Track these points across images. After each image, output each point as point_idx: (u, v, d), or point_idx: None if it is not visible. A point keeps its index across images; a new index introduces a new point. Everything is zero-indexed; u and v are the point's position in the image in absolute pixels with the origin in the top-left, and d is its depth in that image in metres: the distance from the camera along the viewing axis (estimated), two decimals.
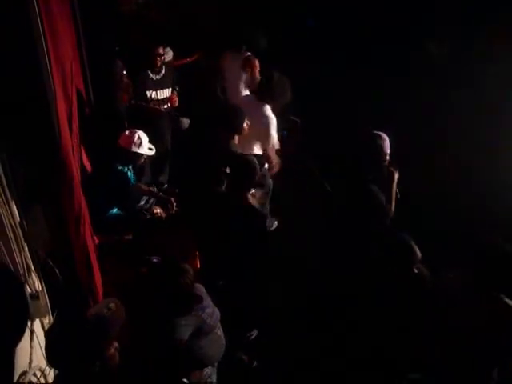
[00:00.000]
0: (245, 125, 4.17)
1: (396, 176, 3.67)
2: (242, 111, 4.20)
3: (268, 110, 4.47)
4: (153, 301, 2.93)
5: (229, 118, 4.20)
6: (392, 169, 3.67)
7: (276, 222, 5.24)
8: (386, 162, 3.68)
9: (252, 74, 5.43)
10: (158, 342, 2.81)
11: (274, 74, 4.46)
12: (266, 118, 4.44)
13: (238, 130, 4.17)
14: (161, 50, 5.08)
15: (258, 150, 4.62)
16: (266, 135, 4.49)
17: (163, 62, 5.18)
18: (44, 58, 2.50)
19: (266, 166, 4.67)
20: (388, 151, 3.65)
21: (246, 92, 5.42)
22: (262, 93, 4.52)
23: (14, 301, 1.63)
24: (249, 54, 5.41)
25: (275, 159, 4.67)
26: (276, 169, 4.74)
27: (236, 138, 4.20)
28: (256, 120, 4.40)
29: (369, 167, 3.65)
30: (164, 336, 2.79)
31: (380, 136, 3.65)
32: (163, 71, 5.19)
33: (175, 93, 5.29)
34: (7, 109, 2.41)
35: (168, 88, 5.23)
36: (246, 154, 3.88)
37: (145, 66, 5.10)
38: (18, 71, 2.42)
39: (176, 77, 5.37)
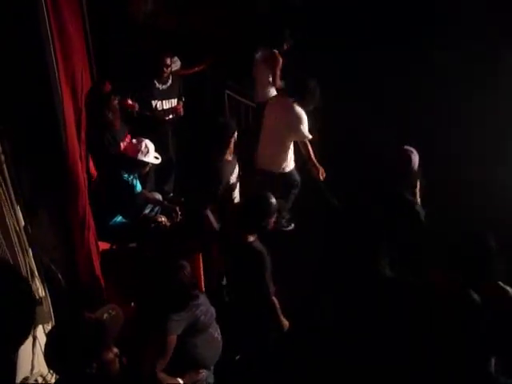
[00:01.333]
0: (232, 140, 4.04)
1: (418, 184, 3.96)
2: (229, 126, 4.15)
3: (297, 107, 4.55)
4: (149, 296, 2.94)
5: (216, 132, 4.16)
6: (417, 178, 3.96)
7: (293, 225, 5.26)
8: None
9: (273, 71, 5.54)
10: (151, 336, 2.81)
11: (310, 82, 4.54)
12: (296, 114, 4.53)
13: (225, 144, 4.03)
14: (168, 60, 5.10)
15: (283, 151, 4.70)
16: (297, 131, 4.58)
17: (170, 72, 5.20)
18: (52, 65, 2.52)
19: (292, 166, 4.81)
20: (417, 165, 3.89)
21: (272, 89, 5.48)
22: (293, 95, 4.59)
23: (21, 303, 1.63)
24: (275, 51, 5.51)
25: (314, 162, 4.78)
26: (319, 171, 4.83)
27: (228, 153, 4.07)
28: (286, 117, 4.54)
29: (402, 181, 3.91)
30: (157, 331, 2.78)
31: (413, 152, 3.87)
32: (170, 81, 5.20)
33: (181, 103, 5.31)
34: (15, 114, 2.44)
35: (174, 98, 5.24)
36: (264, 193, 3.50)
37: (151, 76, 5.10)
38: (27, 78, 2.45)
39: (182, 87, 5.39)
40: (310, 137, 4.66)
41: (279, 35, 5.56)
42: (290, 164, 4.88)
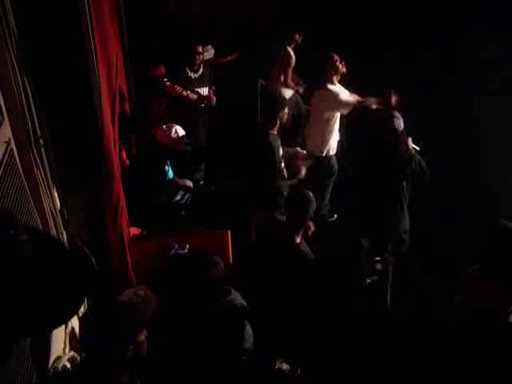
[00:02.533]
0: (285, 112, 4.12)
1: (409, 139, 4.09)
2: (280, 98, 4.26)
3: (329, 86, 4.59)
4: (180, 290, 2.94)
5: (266, 105, 4.25)
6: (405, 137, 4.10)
7: (335, 215, 5.28)
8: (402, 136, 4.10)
9: (285, 70, 5.51)
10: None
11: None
12: (330, 93, 4.58)
13: (275, 117, 4.07)
14: (200, 49, 5.10)
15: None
16: (340, 105, 4.62)
17: (202, 60, 5.19)
18: (91, 52, 2.53)
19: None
20: (401, 128, 4.10)
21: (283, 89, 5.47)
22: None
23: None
24: (288, 49, 5.47)
25: None
26: None
27: (275, 128, 4.11)
28: (322, 100, 4.63)
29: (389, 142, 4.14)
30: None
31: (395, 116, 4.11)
32: (201, 69, 5.20)
33: (211, 91, 5.30)
34: (52, 99, 2.46)
35: (206, 86, 5.25)
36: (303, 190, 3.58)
37: (184, 64, 5.11)
38: (65, 62, 2.47)
39: (213, 75, 5.38)
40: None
41: (290, 27, 5.52)
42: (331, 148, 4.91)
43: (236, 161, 4.56)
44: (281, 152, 4.15)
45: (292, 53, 5.50)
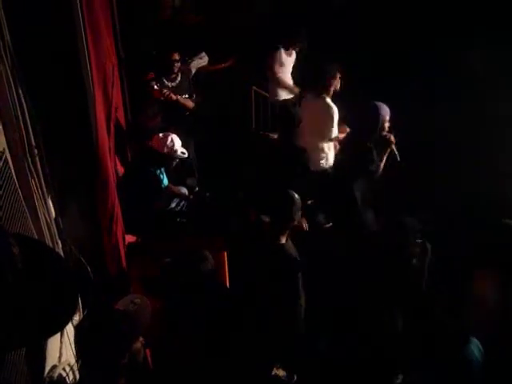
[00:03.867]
0: None
1: (392, 141, 4.22)
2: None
3: (328, 100, 4.59)
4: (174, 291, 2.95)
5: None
6: (388, 135, 4.22)
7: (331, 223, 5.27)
8: (386, 130, 4.19)
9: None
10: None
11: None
12: (329, 111, 4.58)
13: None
14: (176, 56, 4.97)
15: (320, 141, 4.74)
16: (329, 125, 4.62)
17: (180, 69, 5.08)
18: (85, 59, 2.55)
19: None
20: (386, 118, 4.14)
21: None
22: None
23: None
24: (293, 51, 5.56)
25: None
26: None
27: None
28: (317, 111, 4.63)
29: (369, 133, 4.21)
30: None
31: (380, 106, 4.15)
32: (179, 78, 5.08)
33: (191, 100, 5.21)
34: (47, 107, 2.48)
35: (185, 95, 5.13)
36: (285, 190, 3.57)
37: (160, 73, 5.00)
38: (60, 72, 2.49)
39: (192, 83, 5.30)
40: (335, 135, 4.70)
41: (294, 35, 5.54)
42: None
43: (229, 168, 4.59)
44: None
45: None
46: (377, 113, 4.13)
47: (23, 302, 1.34)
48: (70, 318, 1.66)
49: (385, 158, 4.30)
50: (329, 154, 4.81)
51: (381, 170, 4.31)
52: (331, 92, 4.59)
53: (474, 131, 5.23)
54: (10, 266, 1.27)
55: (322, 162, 4.81)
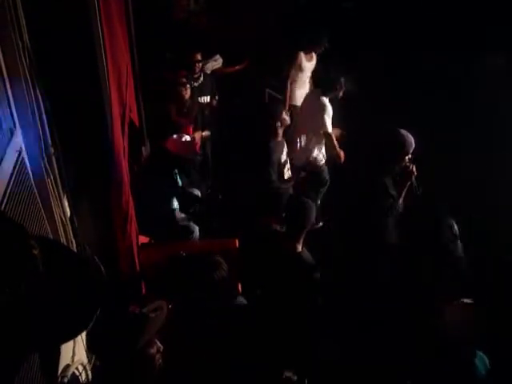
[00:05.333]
0: (284, 115, 4.26)
1: (413, 172, 3.78)
2: (279, 101, 4.40)
3: (323, 97, 4.63)
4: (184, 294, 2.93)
5: (268, 106, 4.33)
6: (410, 165, 3.79)
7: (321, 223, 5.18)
8: (408, 159, 3.77)
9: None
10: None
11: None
12: (320, 103, 4.60)
13: (277, 118, 4.20)
14: (199, 57, 5.04)
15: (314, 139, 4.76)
16: (319, 120, 4.62)
17: (202, 69, 5.15)
18: (102, 60, 2.57)
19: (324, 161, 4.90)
20: (410, 149, 3.73)
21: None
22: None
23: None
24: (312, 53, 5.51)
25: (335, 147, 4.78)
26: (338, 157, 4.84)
27: (280, 133, 4.24)
28: (311, 106, 4.67)
29: (388, 161, 3.80)
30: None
31: (402, 134, 3.75)
32: (201, 78, 5.17)
33: (214, 100, 5.27)
34: (63, 107, 2.49)
35: (207, 95, 5.22)
36: (302, 198, 3.59)
37: (184, 73, 5.01)
38: (76, 72, 2.50)
39: (215, 83, 5.36)
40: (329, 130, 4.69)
41: (316, 36, 5.47)
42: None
43: (241, 170, 4.58)
44: (283, 156, 4.23)
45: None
46: (402, 140, 3.73)
47: (45, 305, 1.34)
48: (91, 321, 1.67)
49: (404, 193, 3.88)
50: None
51: (400, 205, 3.88)
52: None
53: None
54: (31, 268, 1.27)
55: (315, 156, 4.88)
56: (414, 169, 3.80)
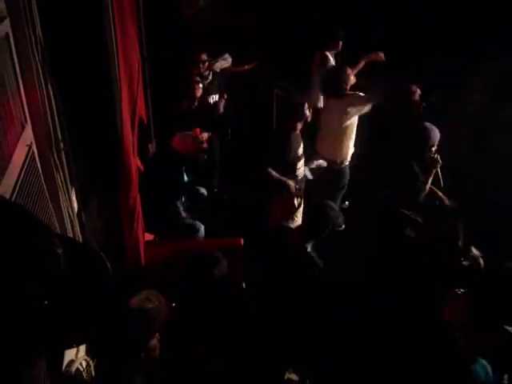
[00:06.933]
0: (307, 112, 4.18)
1: (438, 161, 4.10)
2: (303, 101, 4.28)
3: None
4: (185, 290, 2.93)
5: (291, 104, 4.27)
6: (436, 155, 4.10)
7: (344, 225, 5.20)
8: (433, 151, 4.10)
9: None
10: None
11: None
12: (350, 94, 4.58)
13: (301, 117, 4.14)
14: (204, 57, 5.04)
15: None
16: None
17: (208, 68, 5.15)
18: (113, 56, 2.57)
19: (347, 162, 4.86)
20: (435, 142, 4.06)
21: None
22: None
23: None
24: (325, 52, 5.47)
25: None
26: None
27: (298, 128, 4.18)
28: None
29: (415, 153, 4.11)
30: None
31: (427, 127, 4.06)
32: (210, 77, 5.17)
33: (223, 100, 5.25)
34: (74, 104, 2.49)
35: (215, 94, 5.22)
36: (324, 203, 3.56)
37: (196, 71, 5.04)
38: (89, 69, 2.50)
39: (223, 82, 5.35)
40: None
41: (332, 36, 5.47)
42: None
43: (249, 169, 4.56)
44: (300, 150, 4.22)
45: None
46: (427, 134, 4.06)
47: (65, 302, 1.34)
48: (109, 318, 1.67)
49: (430, 180, 4.17)
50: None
51: (426, 191, 4.18)
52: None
53: None
54: (54, 266, 1.27)
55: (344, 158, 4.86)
56: (439, 158, 4.12)
